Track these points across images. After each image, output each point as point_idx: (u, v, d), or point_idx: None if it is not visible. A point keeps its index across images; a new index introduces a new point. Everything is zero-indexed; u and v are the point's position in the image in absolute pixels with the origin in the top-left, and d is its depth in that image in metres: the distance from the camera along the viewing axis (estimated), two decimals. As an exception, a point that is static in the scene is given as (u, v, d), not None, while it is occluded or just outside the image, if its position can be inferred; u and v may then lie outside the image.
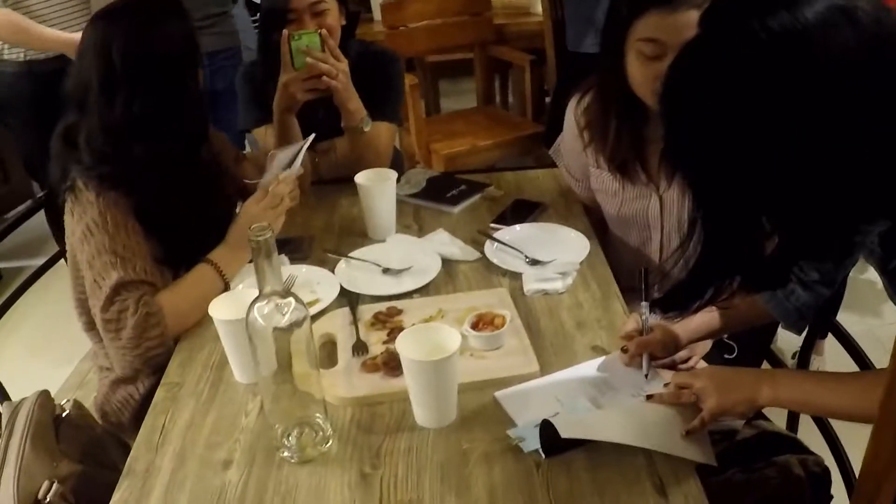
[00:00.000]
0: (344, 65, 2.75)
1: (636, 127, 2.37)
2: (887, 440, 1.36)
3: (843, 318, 2.27)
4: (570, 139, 2.61)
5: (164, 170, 2.27)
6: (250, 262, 2.33)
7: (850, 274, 2.30)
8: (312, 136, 2.56)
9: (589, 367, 1.99)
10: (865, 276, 3.96)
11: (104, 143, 2.23)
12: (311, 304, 2.27)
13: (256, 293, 1.66)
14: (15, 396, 2.11)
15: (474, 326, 2.05)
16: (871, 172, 1.35)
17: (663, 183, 2.42)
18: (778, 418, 2.23)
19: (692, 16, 2.01)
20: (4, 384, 2.56)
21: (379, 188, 2.58)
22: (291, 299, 1.68)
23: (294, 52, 2.69)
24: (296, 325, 1.68)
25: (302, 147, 2.49)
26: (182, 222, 2.33)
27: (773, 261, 1.51)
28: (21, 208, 2.33)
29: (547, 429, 1.72)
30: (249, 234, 1.58)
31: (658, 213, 2.45)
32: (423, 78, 5.74)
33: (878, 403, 1.32)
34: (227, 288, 2.31)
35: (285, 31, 2.71)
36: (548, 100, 5.12)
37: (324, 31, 2.71)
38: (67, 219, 2.31)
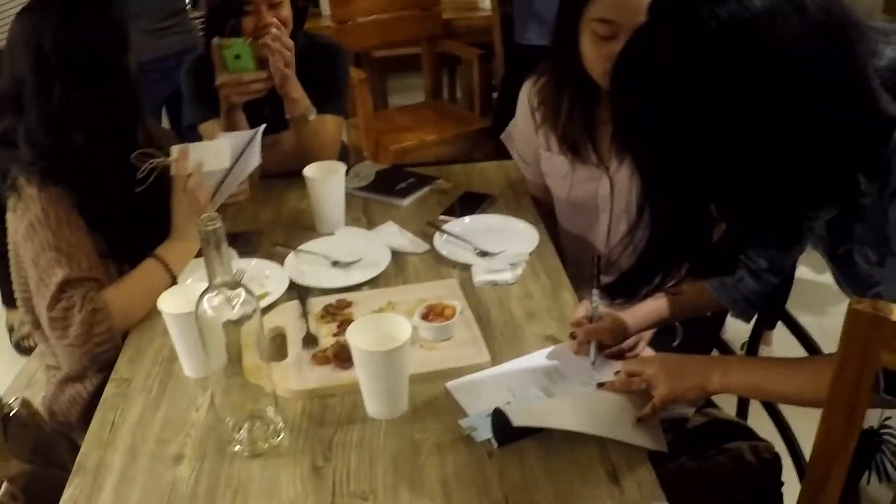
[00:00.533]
0: (289, 54, 2.76)
1: (588, 107, 2.39)
2: (836, 425, 1.38)
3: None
4: (523, 122, 2.63)
5: (104, 161, 2.25)
6: (198, 256, 2.33)
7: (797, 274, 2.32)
8: (263, 126, 2.55)
9: (539, 357, 2.00)
10: (811, 277, 3.99)
11: (45, 136, 2.20)
12: (261, 297, 2.25)
13: (205, 286, 1.65)
14: None
15: (424, 317, 2.05)
16: (818, 159, 1.36)
17: (614, 163, 2.43)
18: (728, 406, 2.25)
19: None
20: None
21: (327, 181, 2.56)
22: (241, 291, 1.66)
23: (226, 58, 2.71)
24: (246, 317, 1.67)
25: (253, 137, 2.48)
26: (124, 215, 2.31)
27: (720, 248, 1.52)
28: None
29: (499, 417, 1.72)
30: (198, 224, 1.56)
31: (608, 194, 2.46)
32: (371, 73, 5.72)
33: (827, 387, 1.35)
34: (174, 283, 2.28)
35: (215, 40, 2.73)
36: (495, 95, 5.12)
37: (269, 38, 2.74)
38: (10, 216, 2.27)
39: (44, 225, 2.18)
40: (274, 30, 2.73)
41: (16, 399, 2.10)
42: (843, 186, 1.43)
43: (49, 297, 2.13)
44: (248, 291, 1.68)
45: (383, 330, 1.79)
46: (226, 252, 1.61)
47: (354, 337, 1.76)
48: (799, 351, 2.18)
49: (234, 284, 1.65)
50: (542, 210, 2.68)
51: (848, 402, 1.34)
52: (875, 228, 1.49)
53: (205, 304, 1.65)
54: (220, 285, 1.63)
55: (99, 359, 2.18)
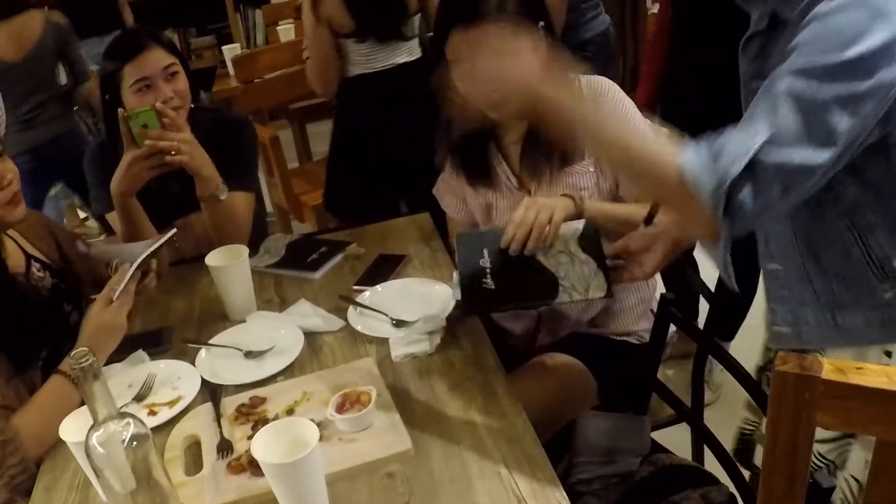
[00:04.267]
0: (185, 134, 2.66)
1: (486, 134, 2.44)
2: (777, 491, 1.32)
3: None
4: (446, 175, 2.64)
5: None
6: (108, 363, 2.24)
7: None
8: (173, 231, 2.45)
9: None
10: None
11: None
12: (174, 402, 2.17)
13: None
14: None
15: (339, 408, 1.96)
16: None
17: (532, 183, 2.43)
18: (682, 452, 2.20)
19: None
20: None
21: (231, 268, 2.48)
22: (129, 420, 1.58)
23: (133, 131, 2.59)
24: (139, 444, 1.59)
25: (157, 242, 2.38)
26: (19, 331, 2.23)
27: None
28: None
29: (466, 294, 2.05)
30: (70, 362, 1.48)
31: None
32: (291, 125, 5.67)
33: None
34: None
35: (121, 111, 2.62)
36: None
37: (158, 106, 2.62)
38: None
39: None
40: (169, 110, 2.64)
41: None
42: None
43: None
44: (136, 419, 1.59)
45: (291, 435, 1.70)
46: (104, 384, 1.52)
47: (259, 449, 1.66)
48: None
49: (122, 414, 1.57)
50: None
51: (786, 469, 1.29)
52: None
53: (93, 440, 1.56)
54: (105, 419, 1.55)
55: (19, 490, 2.09)
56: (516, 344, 2.57)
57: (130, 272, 2.25)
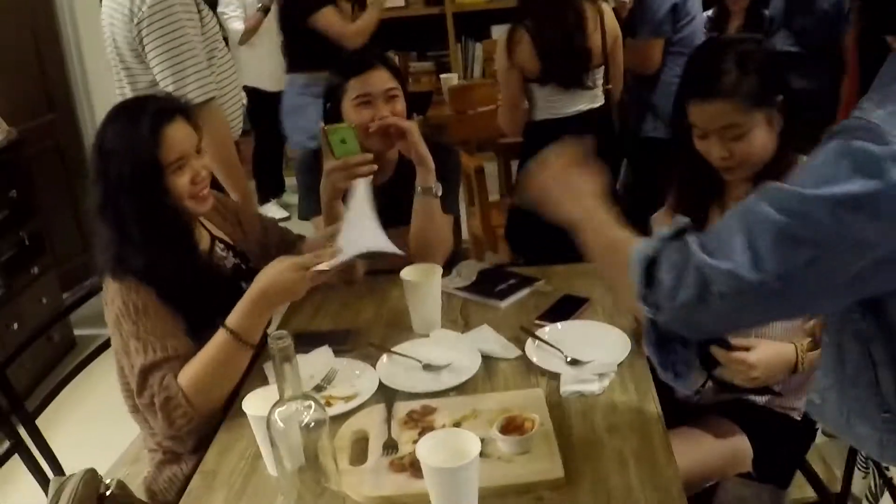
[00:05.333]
0: (412, 123, 2.92)
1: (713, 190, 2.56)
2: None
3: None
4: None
5: (161, 245, 2.36)
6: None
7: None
8: (401, 253, 2.59)
9: None
10: None
11: (104, 229, 2.36)
12: (350, 398, 2.30)
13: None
14: (83, 461, 2.16)
15: (504, 430, 2.05)
16: None
17: None
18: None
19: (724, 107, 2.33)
20: (74, 448, 2.71)
21: (424, 284, 2.60)
22: (312, 403, 1.71)
23: (332, 143, 2.76)
24: (315, 427, 1.72)
25: (389, 248, 2.52)
26: (196, 292, 2.39)
27: None
28: (97, 277, 2.44)
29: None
30: (269, 340, 1.62)
31: None
32: (497, 158, 5.78)
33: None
34: (251, 349, 2.33)
35: (321, 124, 2.83)
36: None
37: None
38: (105, 313, 2.39)
39: (125, 316, 2.29)
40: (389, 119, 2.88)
41: (112, 480, 2.17)
42: None
43: (136, 386, 2.26)
44: (318, 402, 1.72)
45: (454, 444, 1.80)
46: (296, 366, 1.66)
47: (424, 452, 1.77)
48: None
49: (305, 396, 1.70)
50: None
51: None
52: None
53: (275, 415, 1.70)
54: (290, 399, 1.68)
55: (191, 436, 2.31)
56: (681, 398, 2.61)
57: (347, 257, 2.39)
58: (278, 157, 7.60)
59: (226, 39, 3.84)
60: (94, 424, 4.11)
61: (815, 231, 1.37)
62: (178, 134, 2.35)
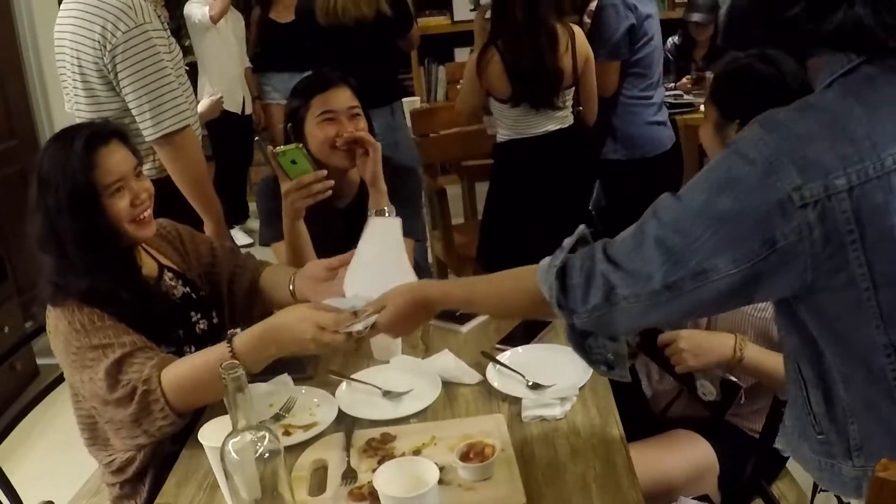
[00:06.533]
0: (373, 141, 2.92)
1: None
2: None
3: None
4: None
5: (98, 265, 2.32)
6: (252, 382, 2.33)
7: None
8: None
9: None
10: None
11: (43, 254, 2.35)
12: (309, 427, 2.27)
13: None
14: (43, 493, 2.23)
15: (464, 456, 2.02)
16: None
17: None
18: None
19: None
20: (35, 480, 2.76)
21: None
22: (265, 434, 1.68)
23: (284, 165, 2.77)
24: (270, 457, 1.69)
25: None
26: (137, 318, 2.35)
27: None
28: (37, 308, 2.43)
29: None
30: (221, 371, 1.59)
31: None
32: (461, 181, 5.78)
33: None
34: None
35: (269, 148, 2.85)
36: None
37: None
38: (53, 347, 2.34)
39: (73, 333, 2.25)
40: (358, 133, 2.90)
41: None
42: None
43: (105, 387, 2.19)
44: (272, 433, 1.69)
45: (412, 473, 1.79)
46: (248, 397, 1.63)
47: (381, 481, 1.75)
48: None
49: (259, 427, 1.67)
50: None
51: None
52: None
53: (229, 446, 1.67)
54: (244, 429, 1.65)
55: (158, 437, 2.26)
56: (653, 406, 2.60)
57: (365, 324, 2.14)
58: (242, 183, 7.53)
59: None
60: (56, 455, 4.04)
61: (691, 243, 1.45)
62: (113, 157, 2.32)
